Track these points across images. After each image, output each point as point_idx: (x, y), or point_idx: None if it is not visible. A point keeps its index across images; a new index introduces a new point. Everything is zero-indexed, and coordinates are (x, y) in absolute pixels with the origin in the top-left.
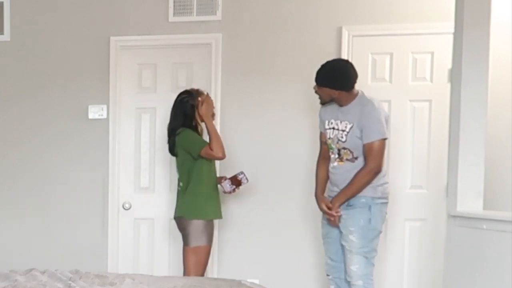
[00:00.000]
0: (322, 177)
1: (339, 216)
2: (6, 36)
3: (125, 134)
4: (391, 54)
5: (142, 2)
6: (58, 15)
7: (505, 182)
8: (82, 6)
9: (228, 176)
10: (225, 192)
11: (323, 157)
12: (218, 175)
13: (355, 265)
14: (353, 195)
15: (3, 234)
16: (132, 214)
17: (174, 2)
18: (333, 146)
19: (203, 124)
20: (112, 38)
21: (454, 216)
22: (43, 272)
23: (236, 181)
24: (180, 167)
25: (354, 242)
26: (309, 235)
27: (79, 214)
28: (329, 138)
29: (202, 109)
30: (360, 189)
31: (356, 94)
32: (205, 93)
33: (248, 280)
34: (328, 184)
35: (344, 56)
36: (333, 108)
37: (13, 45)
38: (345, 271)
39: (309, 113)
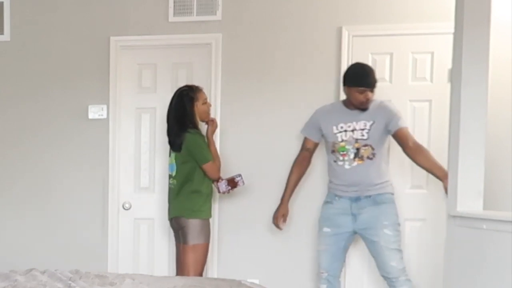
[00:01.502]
0: (295, 181)
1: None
2: (6, 36)
3: (125, 134)
4: (391, 54)
5: (142, 2)
6: (58, 15)
7: (505, 182)
8: (82, 6)
9: (224, 177)
10: (218, 192)
11: (300, 163)
12: None
13: (394, 261)
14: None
15: (3, 234)
16: (132, 214)
17: (174, 2)
18: (348, 147)
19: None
20: (112, 38)
21: (454, 216)
22: (43, 272)
23: (232, 183)
24: (180, 166)
25: (388, 235)
26: (309, 235)
27: (79, 214)
28: (342, 141)
29: (208, 133)
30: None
31: None
32: (205, 95)
33: (248, 280)
34: (341, 186)
35: (344, 56)
36: (339, 112)
37: (13, 45)
38: (382, 269)
39: (309, 113)
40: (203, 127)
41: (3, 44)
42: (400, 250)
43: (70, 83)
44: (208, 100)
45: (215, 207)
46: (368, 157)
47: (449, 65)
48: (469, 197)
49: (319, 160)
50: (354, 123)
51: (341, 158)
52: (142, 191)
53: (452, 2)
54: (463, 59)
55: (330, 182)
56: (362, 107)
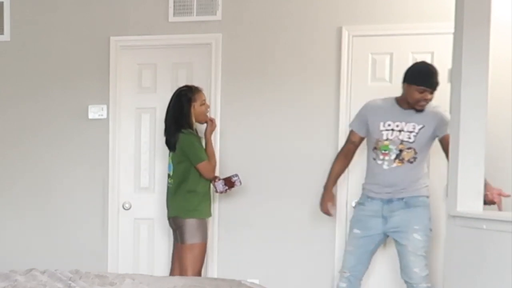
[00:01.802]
0: (338, 171)
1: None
2: (6, 36)
3: (125, 134)
4: (391, 54)
5: (142, 2)
6: (58, 15)
7: (505, 182)
8: (82, 6)
9: (222, 176)
10: (216, 192)
11: (345, 154)
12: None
13: (418, 267)
14: None
15: (3, 234)
16: (132, 214)
17: (174, 2)
18: (391, 147)
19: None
20: (112, 38)
21: (454, 216)
22: (43, 272)
23: (229, 183)
24: (176, 165)
25: (418, 240)
26: (309, 235)
27: (79, 214)
28: (387, 140)
29: (207, 132)
30: None
31: None
32: (204, 96)
33: (248, 280)
34: (374, 186)
35: (344, 56)
36: (392, 110)
37: (13, 45)
38: (405, 273)
39: (309, 112)
40: (201, 128)
41: (3, 44)
42: (425, 257)
43: (70, 83)
44: (207, 101)
45: (215, 207)
46: (408, 161)
47: (449, 65)
48: (469, 197)
49: (319, 159)
50: (404, 123)
51: (381, 157)
52: (142, 191)
53: (452, 2)
54: (463, 59)
55: (365, 183)
56: (418, 107)
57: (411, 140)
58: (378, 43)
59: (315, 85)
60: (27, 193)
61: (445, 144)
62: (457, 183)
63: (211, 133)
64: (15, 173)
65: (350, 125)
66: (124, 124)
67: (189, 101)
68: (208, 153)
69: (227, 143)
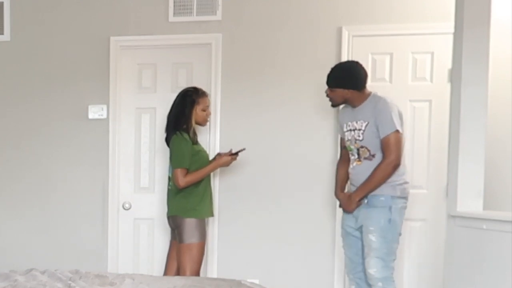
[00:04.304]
0: (340, 176)
1: (358, 212)
2: (6, 36)
3: (125, 134)
4: (391, 54)
5: (142, 2)
6: (58, 15)
7: (505, 182)
8: (82, 6)
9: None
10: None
11: (344, 159)
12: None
13: (373, 269)
14: (372, 189)
15: (3, 234)
16: (132, 214)
17: (174, 2)
18: (352, 147)
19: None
20: (112, 38)
21: (454, 216)
22: (43, 272)
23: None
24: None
25: (373, 242)
26: (309, 235)
27: (79, 214)
28: (348, 140)
29: (221, 161)
30: (379, 183)
31: (369, 94)
32: (208, 102)
33: (248, 280)
34: (350, 185)
35: (344, 56)
36: (348, 111)
37: (13, 45)
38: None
39: (309, 113)
40: (201, 129)
41: (3, 44)
42: (383, 259)
43: (70, 83)
44: (209, 108)
45: (215, 206)
46: (366, 158)
47: (449, 65)
48: (469, 197)
49: (318, 159)
50: (355, 122)
51: (350, 157)
52: (142, 191)
53: (452, 2)
54: (463, 59)
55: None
56: (332, 105)
57: (360, 138)
58: (378, 43)
59: (315, 85)
60: (27, 193)
61: (383, 147)
62: (457, 183)
63: (217, 166)
64: (15, 173)
65: (339, 132)
66: (124, 124)
67: (192, 103)
68: (200, 168)
69: (227, 143)
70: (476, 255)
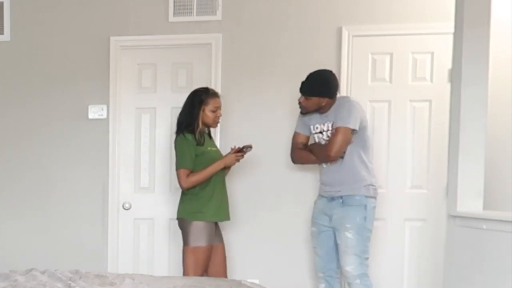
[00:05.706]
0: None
1: (332, 211)
2: (6, 36)
3: (125, 134)
4: (391, 54)
5: (142, 2)
6: (58, 15)
7: (505, 182)
8: (82, 6)
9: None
10: None
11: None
12: None
13: (350, 266)
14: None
15: (3, 234)
16: (132, 214)
17: (174, 2)
18: None
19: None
20: (112, 38)
21: (454, 216)
22: (43, 272)
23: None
24: None
25: (350, 239)
26: (309, 235)
27: (79, 214)
28: (317, 142)
29: (227, 160)
30: (311, 161)
31: (335, 100)
32: (219, 103)
33: (248, 280)
34: (320, 185)
35: (344, 56)
36: (316, 114)
37: (13, 45)
38: (341, 272)
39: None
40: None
41: (3, 44)
42: (359, 256)
43: (70, 83)
44: (220, 109)
45: None
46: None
47: (449, 65)
48: (469, 197)
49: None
50: (322, 124)
51: None
52: (142, 191)
53: (452, 2)
54: (463, 59)
55: (319, 180)
56: (302, 112)
57: (328, 139)
58: (378, 43)
59: None
60: (27, 193)
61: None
62: (457, 183)
63: (223, 164)
64: (15, 173)
65: (296, 128)
66: (124, 124)
67: (201, 103)
68: (205, 170)
69: (227, 143)
70: (476, 255)
